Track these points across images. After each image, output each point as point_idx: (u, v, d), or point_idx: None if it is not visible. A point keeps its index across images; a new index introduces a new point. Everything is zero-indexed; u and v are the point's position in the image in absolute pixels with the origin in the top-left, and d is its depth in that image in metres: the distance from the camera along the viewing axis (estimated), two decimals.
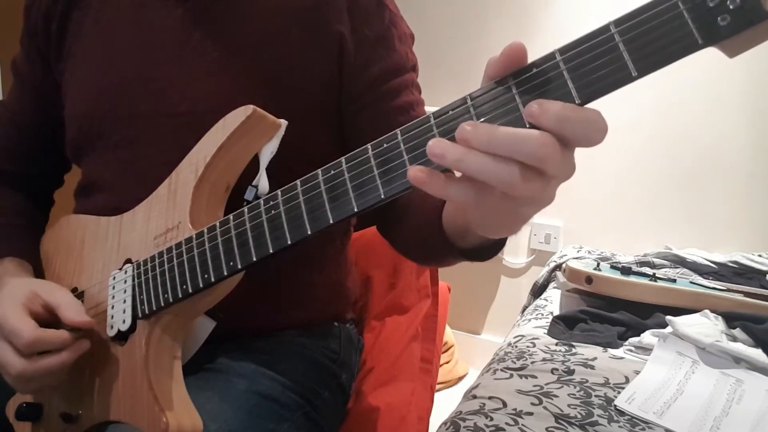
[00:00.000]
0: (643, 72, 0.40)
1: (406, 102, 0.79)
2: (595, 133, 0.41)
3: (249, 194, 0.66)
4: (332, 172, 0.53)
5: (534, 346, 1.22)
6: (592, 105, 0.42)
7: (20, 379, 0.67)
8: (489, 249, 0.62)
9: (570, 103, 0.41)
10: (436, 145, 0.43)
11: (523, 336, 1.29)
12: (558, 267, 1.69)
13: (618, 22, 0.40)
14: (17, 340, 0.66)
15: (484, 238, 0.57)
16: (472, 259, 0.63)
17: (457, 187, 0.44)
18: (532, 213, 0.46)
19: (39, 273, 0.83)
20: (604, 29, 0.41)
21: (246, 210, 0.60)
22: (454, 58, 2.27)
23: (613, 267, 1.46)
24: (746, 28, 0.37)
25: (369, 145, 0.50)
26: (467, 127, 0.42)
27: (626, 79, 0.40)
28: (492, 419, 0.92)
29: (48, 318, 0.69)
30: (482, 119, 0.44)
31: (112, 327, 0.70)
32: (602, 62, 0.40)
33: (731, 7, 0.37)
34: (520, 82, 0.43)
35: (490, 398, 0.99)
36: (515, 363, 1.14)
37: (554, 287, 1.61)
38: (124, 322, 0.69)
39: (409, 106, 0.79)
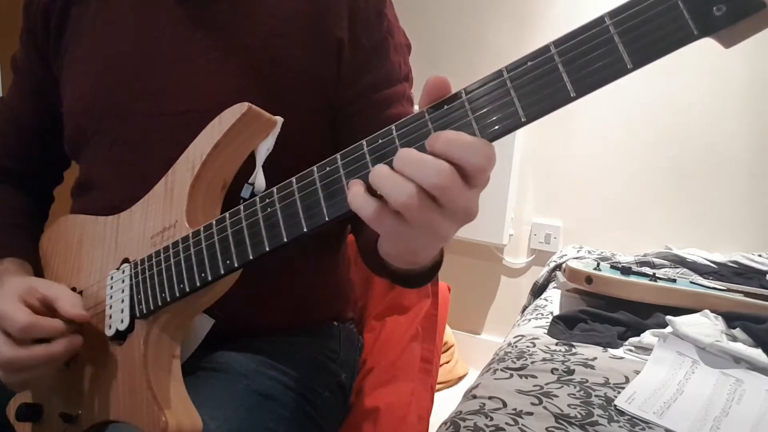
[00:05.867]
0: (638, 64, 0.40)
1: (395, 114, 0.79)
2: (481, 158, 0.44)
3: (245, 191, 0.66)
4: (327, 168, 0.52)
5: (534, 346, 1.22)
6: (589, 96, 0.42)
7: (9, 367, 0.67)
8: (413, 278, 0.65)
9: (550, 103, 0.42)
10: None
11: (523, 336, 1.28)
12: (558, 267, 1.69)
13: (613, 14, 0.40)
14: (11, 325, 0.66)
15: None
16: (400, 284, 0.67)
17: (363, 198, 0.47)
18: (428, 247, 0.49)
19: (39, 273, 0.83)
20: (599, 21, 0.41)
21: (242, 208, 0.60)
22: (454, 58, 2.27)
23: (613, 267, 1.46)
24: (742, 18, 0.37)
25: (364, 141, 0.50)
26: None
27: (621, 71, 0.40)
28: (492, 419, 0.91)
29: (44, 312, 0.69)
30: (477, 114, 0.44)
31: (110, 327, 0.69)
32: (597, 54, 0.40)
33: None
34: (515, 76, 0.43)
35: (490, 398, 0.99)
36: (515, 363, 1.14)
37: (554, 287, 1.61)
38: (122, 321, 0.68)
39: (398, 118, 0.78)
